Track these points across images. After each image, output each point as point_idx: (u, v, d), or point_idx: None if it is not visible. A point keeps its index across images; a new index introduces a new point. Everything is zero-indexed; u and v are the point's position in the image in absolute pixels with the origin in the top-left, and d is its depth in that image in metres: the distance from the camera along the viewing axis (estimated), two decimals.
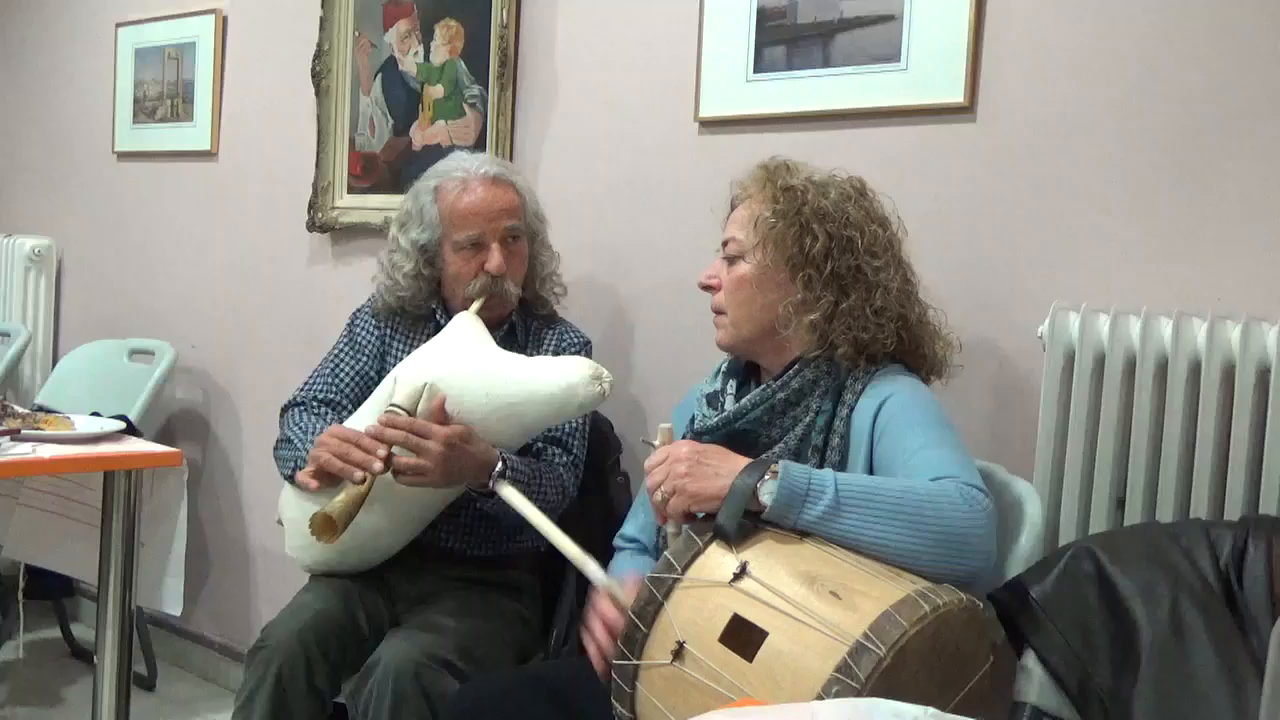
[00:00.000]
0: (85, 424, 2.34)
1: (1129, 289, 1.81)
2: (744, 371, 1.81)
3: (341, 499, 1.78)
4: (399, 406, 1.87)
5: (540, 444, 2.09)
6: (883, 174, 2.06)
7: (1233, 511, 1.65)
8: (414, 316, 2.22)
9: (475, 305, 2.09)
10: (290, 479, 2.01)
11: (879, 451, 1.61)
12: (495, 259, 2.10)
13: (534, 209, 2.22)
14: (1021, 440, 1.88)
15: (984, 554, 1.44)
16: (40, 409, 2.58)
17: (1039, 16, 1.91)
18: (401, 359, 2.16)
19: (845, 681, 1.26)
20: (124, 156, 3.55)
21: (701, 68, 2.28)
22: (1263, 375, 1.66)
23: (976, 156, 1.97)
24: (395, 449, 1.84)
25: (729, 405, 1.74)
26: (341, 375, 2.19)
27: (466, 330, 2.04)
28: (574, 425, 2.11)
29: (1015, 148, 1.94)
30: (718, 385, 1.80)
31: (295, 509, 2.01)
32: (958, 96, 1.97)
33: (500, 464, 1.90)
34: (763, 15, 2.19)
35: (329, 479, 1.84)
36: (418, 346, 2.16)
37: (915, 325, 1.74)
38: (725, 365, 1.83)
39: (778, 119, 2.19)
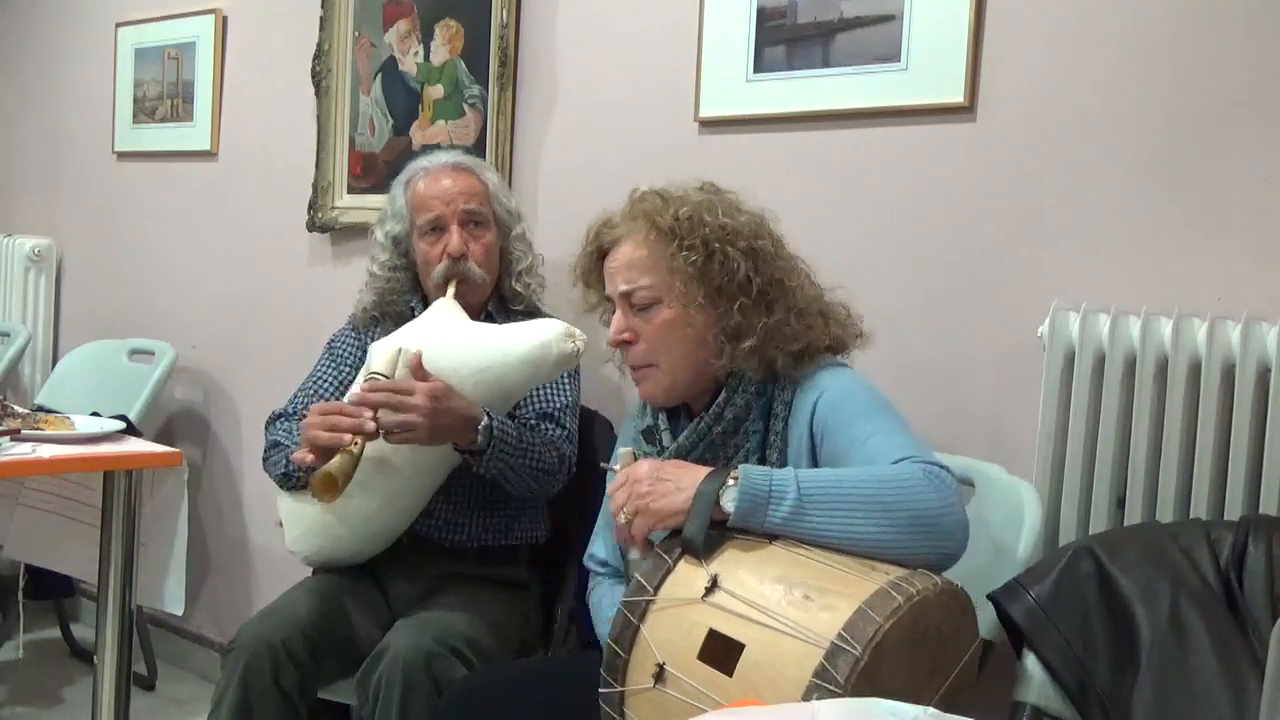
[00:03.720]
0: (85, 424, 2.34)
1: (1129, 289, 1.81)
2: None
3: (338, 458, 1.79)
4: (378, 373, 1.89)
5: (533, 419, 2.10)
6: (883, 174, 2.07)
7: (1233, 511, 1.65)
8: (395, 320, 2.22)
9: (450, 290, 2.11)
10: (283, 480, 2.02)
11: (824, 452, 1.58)
12: (453, 240, 2.13)
13: (504, 202, 2.25)
14: (1021, 440, 1.88)
15: (959, 533, 1.42)
16: (40, 409, 2.58)
17: (1039, 16, 1.91)
18: None
19: (824, 686, 1.25)
20: (124, 156, 3.55)
21: (701, 68, 2.28)
22: (1263, 375, 1.66)
23: (976, 156, 1.97)
24: (381, 412, 1.84)
25: (665, 440, 1.71)
26: (324, 387, 2.19)
27: (442, 311, 2.07)
28: (564, 401, 2.12)
29: (1015, 148, 1.94)
30: (650, 420, 1.76)
31: (291, 501, 2.04)
32: (958, 96, 1.97)
33: (485, 419, 1.91)
34: (763, 15, 2.19)
35: (324, 455, 1.83)
36: None
37: (827, 306, 1.71)
38: None
39: (778, 119, 2.19)
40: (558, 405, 2.12)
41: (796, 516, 1.41)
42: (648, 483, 1.48)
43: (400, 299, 2.24)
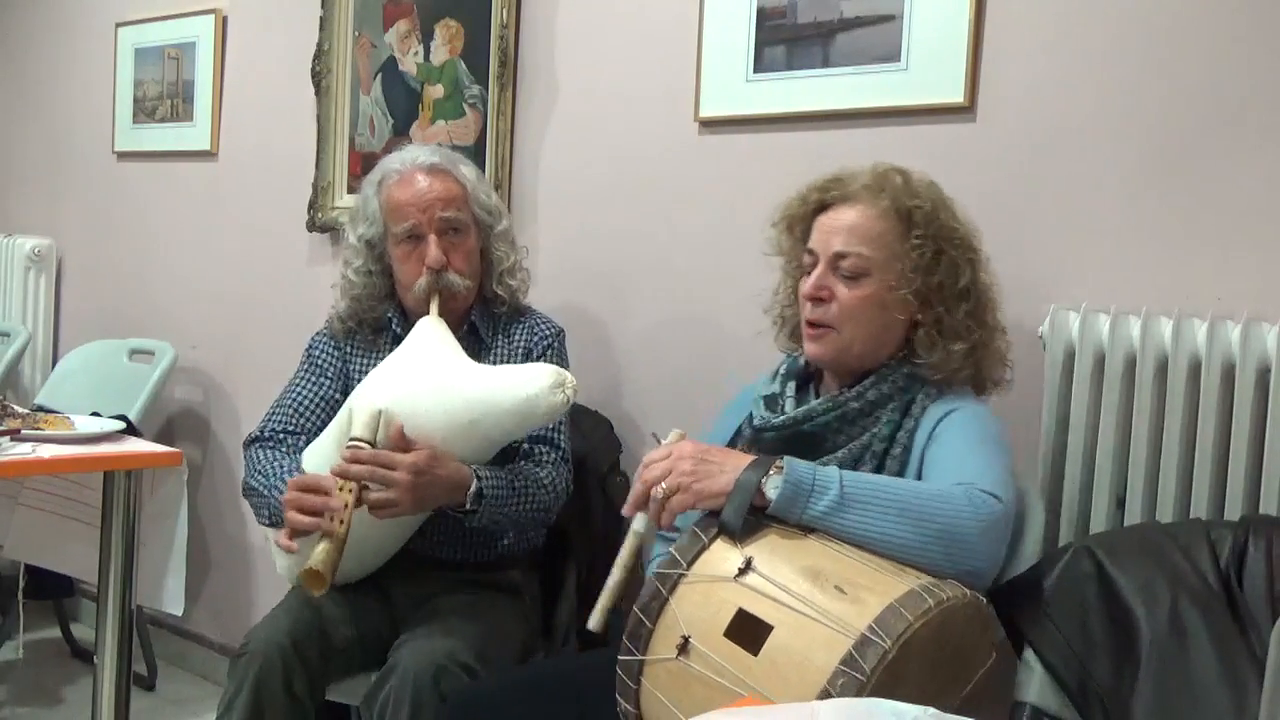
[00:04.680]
0: (85, 424, 2.34)
1: (1129, 289, 1.81)
2: (803, 375, 1.79)
3: (323, 548, 1.74)
4: (360, 440, 1.83)
5: (527, 444, 2.06)
6: None
7: (1233, 511, 1.65)
8: (372, 329, 2.18)
9: (434, 307, 2.05)
10: (269, 525, 1.98)
11: (928, 454, 1.61)
12: (432, 252, 2.04)
13: (483, 201, 2.15)
14: (1022, 440, 1.88)
15: (985, 555, 1.44)
16: (40, 409, 2.58)
17: (1039, 16, 1.91)
18: (365, 376, 2.10)
19: (850, 674, 1.27)
20: (124, 156, 3.55)
21: (701, 68, 2.28)
22: (1263, 375, 1.66)
23: (976, 156, 1.97)
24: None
25: (789, 407, 1.71)
26: (304, 403, 2.14)
27: (427, 338, 2.00)
28: (558, 419, 2.07)
29: (1015, 148, 1.94)
30: (776, 388, 1.76)
31: (276, 534, 1.99)
32: (958, 96, 1.97)
33: (475, 483, 1.89)
34: (763, 15, 2.19)
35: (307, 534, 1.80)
36: (381, 361, 2.09)
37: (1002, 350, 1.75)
38: (784, 367, 1.79)
39: (778, 119, 2.19)
40: (551, 425, 2.06)
41: (834, 512, 1.43)
42: (691, 462, 1.50)
43: (377, 306, 2.16)
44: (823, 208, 1.71)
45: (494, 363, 2.12)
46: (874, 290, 1.64)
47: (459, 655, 1.83)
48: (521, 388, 1.87)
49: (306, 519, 1.78)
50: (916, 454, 1.62)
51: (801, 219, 1.75)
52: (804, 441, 1.66)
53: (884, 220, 1.65)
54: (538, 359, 2.12)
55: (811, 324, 1.68)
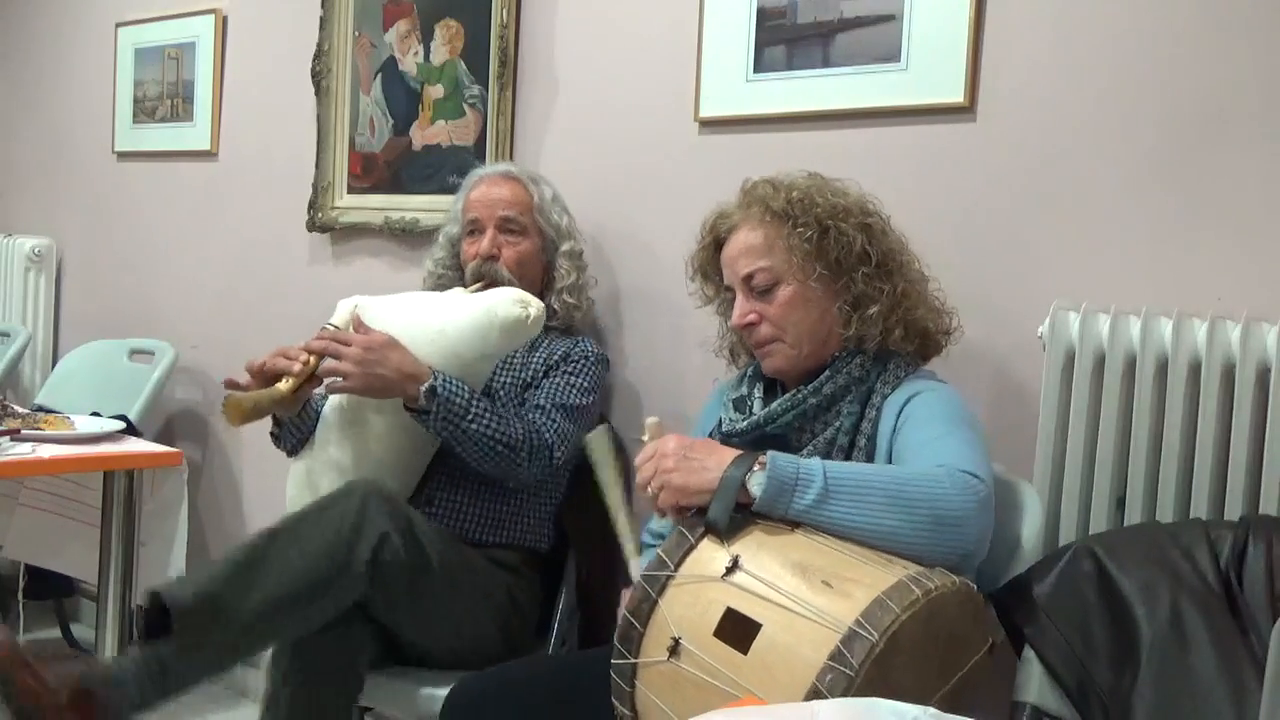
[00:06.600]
0: (85, 424, 2.35)
1: (1129, 289, 1.81)
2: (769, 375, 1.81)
3: (256, 392, 1.92)
4: (330, 324, 2.05)
5: (532, 411, 2.10)
6: (883, 174, 2.07)
7: (1233, 511, 1.65)
8: None
9: (473, 288, 2.17)
10: (291, 453, 2.13)
11: (897, 441, 1.61)
12: (484, 242, 2.22)
13: (553, 217, 2.28)
14: (1021, 440, 1.88)
15: (974, 536, 1.44)
16: (40, 409, 2.59)
17: (1039, 16, 1.91)
18: None
19: (839, 669, 1.27)
20: (124, 156, 3.55)
21: (701, 68, 2.28)
22: (1263, 375, 1.66)
23: (976, 156, 1.97)
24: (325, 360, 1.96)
25: (757, 409, 1.74)
26: None
27: (443, 294, 2.18)
28: (567, 400, 2.12)
29: (1015, 148, 1.94)
30: (744, 390, 1.80)
31: (295, 487, 2.08)
32: (958, 96, 1.97)
33: (431, 379, 1.94)
34: (763, 15, 2.19)
35: (262, 380, 1.96)
36: None
37: (930, 290, 1.77)
38: (751, 369, 1.83)
39: (778, 119, 2.19)
40: (555, 401, 2.11)
41: (820, 505, 1.43)
42: (674, 459, 1.50)
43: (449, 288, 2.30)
44: (719, 245, 1.79)
45: (533, 367, 2.20)
46: (791, 291, 1.70)
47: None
48: (482, 301, 2.03)
49: (256, 362, 1.96)
50: (883, 445, 1.63)
51: (709, 262, 1.83)
52: (771, 444, 1.66)
53: (765, 227, 1.72)
54: (561, 367, 2.17)
55: (757, 345, 1.75)
